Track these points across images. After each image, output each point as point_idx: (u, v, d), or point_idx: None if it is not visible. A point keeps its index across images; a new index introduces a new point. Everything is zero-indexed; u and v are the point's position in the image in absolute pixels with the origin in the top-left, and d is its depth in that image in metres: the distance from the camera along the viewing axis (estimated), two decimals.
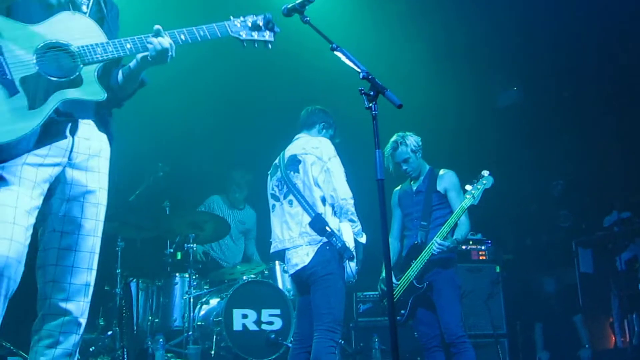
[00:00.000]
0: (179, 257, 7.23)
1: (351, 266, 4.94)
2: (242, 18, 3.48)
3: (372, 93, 3.47)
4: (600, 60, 8.44)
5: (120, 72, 3.33)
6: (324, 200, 5.01)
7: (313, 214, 4.94)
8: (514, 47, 8.67)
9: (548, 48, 8.56)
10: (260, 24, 3.51)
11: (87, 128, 3.17)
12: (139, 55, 3.22)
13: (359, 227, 5.04)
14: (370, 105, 3.48)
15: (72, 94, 3.00)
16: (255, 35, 3.50)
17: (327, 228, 4.89)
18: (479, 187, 5.55)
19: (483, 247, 7.89)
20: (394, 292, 5.64)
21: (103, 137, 3.27)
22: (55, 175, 3.06)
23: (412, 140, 5.82)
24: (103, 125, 3.28)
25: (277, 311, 6.67)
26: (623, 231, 8.28)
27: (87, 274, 3.23)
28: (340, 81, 5.67)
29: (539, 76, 9.11)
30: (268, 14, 3.55)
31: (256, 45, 3.52)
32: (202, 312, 6.91)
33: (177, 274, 7.14)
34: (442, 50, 8.47)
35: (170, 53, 3.19)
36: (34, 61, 2.92)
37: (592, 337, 8.17)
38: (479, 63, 8.76)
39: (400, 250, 5.96)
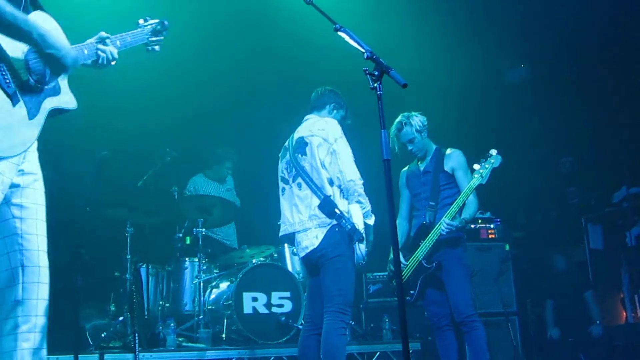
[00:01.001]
0: (188, 241, 7.25)
1: (361, 248, 4.93)
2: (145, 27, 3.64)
3: (376, 73, 3.46)
4: (608, 37, 8.36)
5: None
6: (331, 182, 4.98)
7: (322, 197, 4.92)
8: (522, 24, 8.60)
9: (555, 25, 8.50)
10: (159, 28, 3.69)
11: None
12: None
13: (368, 208, 5.02)
14: (375, 85, 3.46)
15: (55, 102, 3.03)
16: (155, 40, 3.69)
17: (337, 210, 4.88)
18: (487, 166, 5.52)
19: (492, 226, 7.86)
20: (403, 273, 5.65)
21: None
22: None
23: (417, 120, 5.78)
24: None
25: (287, 294, 6.68)
26: (632, 206, 8.25)
27: None
28: (344, 61, 5.63)
29: (547, 53, 9.06)
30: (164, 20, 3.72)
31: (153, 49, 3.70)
32: (213, 296, 6.93)
33: (187, 259, 7.16)
34: (450, 28, 8.40)
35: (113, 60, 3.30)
36: (25, 68, 2.90)
37: (602, 313, 8.16)
38: (486, 40, 8.70)
39: (408, 230, 5.96)
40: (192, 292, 7.00)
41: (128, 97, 7.49)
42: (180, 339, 6.52)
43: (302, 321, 6.09)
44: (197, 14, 7.57)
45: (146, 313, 6.79)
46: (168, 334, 6.17)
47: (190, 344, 6.48)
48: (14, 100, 2.82)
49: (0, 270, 2.93)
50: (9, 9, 2.73)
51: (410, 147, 5.82)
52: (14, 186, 2.95)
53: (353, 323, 6.96)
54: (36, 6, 3.09)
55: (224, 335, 6.52)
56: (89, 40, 3.26)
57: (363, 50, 3.58)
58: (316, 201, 4.94)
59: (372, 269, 7.54)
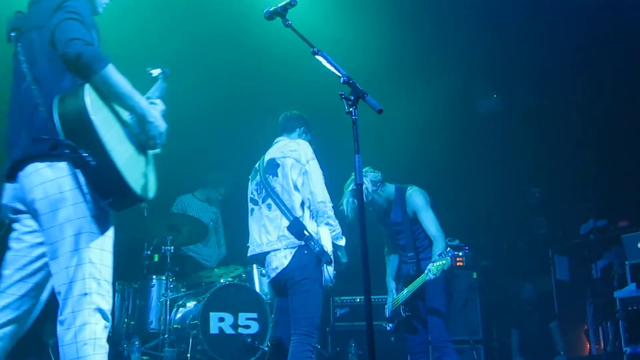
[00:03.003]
0: (156, 259, 7.20)
1: (329, 270, 4.92)
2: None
3: (352, 98, 3.48)
4: (578, 71, 8.50)
5: None
6: (302, 204, 4.99)
7: (291, 218, 4.92)
8: (494, 55, 8.70)
9: (526, 57, 8.61)
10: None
11: None
12: None
13: (338, 230, 5.02)
14: (351, 110, 3.48)
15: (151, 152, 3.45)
16: None
17: (305, 232, 4.87)
18: (439, 264, 5.54)
19: (460, 254, 7.89)
20: (392, 304, 5.83)
21: None
22: None
23: (368, 181, 5.79)
24: None
25: (254, 315, 6.66)
26: (599, 239, 8.35)
27: None
28: (321, 85, 5.67)
29: (518, 85, 9.16)
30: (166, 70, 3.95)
31: None
32: (179, 315, 6.88)
33: (154, 276, 7.11)
34: (424, 55, 8.48)
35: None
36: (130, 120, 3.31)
37: (567, 344, 8.22)
38: (459, 71, 8.78)
39: (398, 262, 6.03)
40: (158, 310, 6.95)
41: None
42: (144, 358, 6.45)
43: (269, 343, 6.06)
44: (183, 36, 7.59)
45: (110, 331, 6.70)
46: (132, 352, 6.11)
47: None
48: (140, 152, 3.30)
49: None
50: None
51: (372, 206, 5.89)
52: None
53: (319, 347, 6.94)
54: None
55: (189, 355, 6.46)
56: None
57: (340, 74, 3.60)
58: (285, 222, 4.93)
59: (340, 292, 7.53)
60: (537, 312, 8.36)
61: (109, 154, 2.97)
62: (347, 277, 5.61)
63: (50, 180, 3.06)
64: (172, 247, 6.94)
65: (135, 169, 3.16)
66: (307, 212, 4.98)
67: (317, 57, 3.67)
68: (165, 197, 8.33)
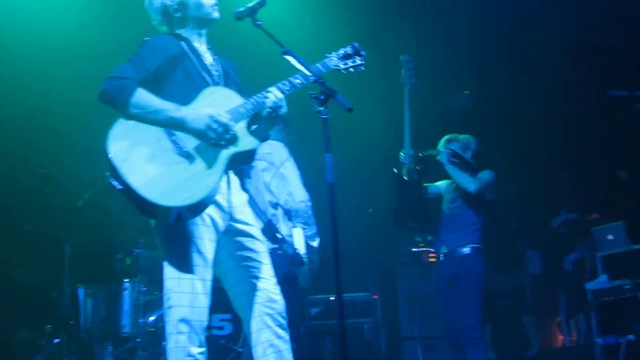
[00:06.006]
0: (128, 262, 7.12)
1: (303, 271, 4.93)
2: (335, 53, 3.89)
3: (322, 97, 3.46)
4: (548, 66, 8.56)
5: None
6: (275, 206, 4.98)
7: (265, 220, 4.91)
8: (467, 52, 8.71)
9: (498, 55, 8.65)
10: (350, 52, 3.87)
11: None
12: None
13: (313, 230, 5.03)
14: (320, 109, 3.47)
15: (233, 150, 3.57)
16: (349, 63, 3.88)
17: (278, 235, 4.86)
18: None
19: (433, 249, 7.95)
20: None
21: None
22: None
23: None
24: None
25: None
26: (570, 232, 8.43)
27: None
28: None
29: (490, 81, 9.18)
30: (355, 44, 3.90)
31: (351, 70, 3.89)
32: (152, 318, 6.80)
33: (127, 280, 7.03)
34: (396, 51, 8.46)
35: (281, 105, 3.69)
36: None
37: (540, 337, 8.29)
38: (432, 65, 8.76)
39: None
40: (132, 313, 6.87)
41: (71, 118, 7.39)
42: None
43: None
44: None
45: (83, 335, 6.64)
46: (105, 357, 6.05)
47: None
48: (189, 160, 3.44)
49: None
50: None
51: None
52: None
53: (295, 345, 6.91)
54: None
55: (162, 358, 6.41)
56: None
57: (310, 73, 3.60)
58: (259, 225, 4.92)
59: (314, 291, 7.52)
60: (510, 306, 8.41)
61: (124, 178, 3.30)
62: (321, 276, 5.59)
63: None
64: (144, 250, 6.88)
65: (169, 181, 3.37)
66: (280, 214, 4.97)
67: (286, 57, 3.65)
68: None
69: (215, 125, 3.46)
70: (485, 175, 6.06)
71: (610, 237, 7.79)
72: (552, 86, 8.75)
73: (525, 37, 8.22)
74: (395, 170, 6.03)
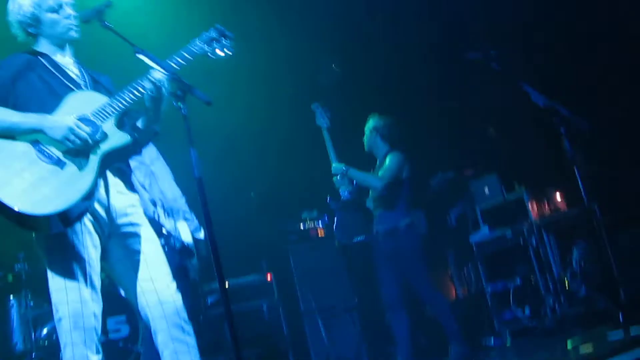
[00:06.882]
0: (10, 279, 6.89)
1: (192, 264, 4.94)
2: (198, 39, 3.82)
3: (179, 93, 3.46)
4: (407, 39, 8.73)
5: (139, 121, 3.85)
6: (154, 203, 4.94)
7: (148, 218, 4.86)
8: (333, 21, 8.74)
9: (359, 26, 8.75)
10: (214, 36, 3.81)
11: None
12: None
13: (196, 223, 5.03)
14: (179, 104, 3.46)
15: (105, 147, 3.55)
16: (216, 46, 3.82)
17: (163, 230, 4.85)
18: None
19: (320, 224, 8.09)
20: None
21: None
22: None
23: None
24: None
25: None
26: (449, 189, 8.71)
27: None
28: None
29: (356, 53, 9.25)
30: (218, 26, 3.86)
31: (220, 54, 3.83)
32: (45, 331, 6.65)
33: (11, 296, 6.82)
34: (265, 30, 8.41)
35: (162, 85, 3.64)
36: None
37: None
38: (296, 39, 8.75)
39: None
40: (22, 330, 6.69)
41: None
42: None
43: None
44: None
45: None
46: None
47: None
48: (60, 165, 3.41)
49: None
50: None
51: None
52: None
53: (197, 337, 6.89)
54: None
55: None
56: None
57: (165, 71, 3.58)
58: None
59: (209, 280, 7.51)
60: None
61: None
62: (212, 264, 5.60)
63: None
64: (25, 264, 6.69)
65: (41, 190, 3.32)
66: (161, 211, 4.94)
67: (139, 56, 3.62)
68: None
69: (72, 137, 3.43)
70: (389, 165, 6.57)
71: (486, 189, 8.13)
72: (415, 51, 8.93)
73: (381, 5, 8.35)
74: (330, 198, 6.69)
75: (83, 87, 3.73)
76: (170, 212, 4.94)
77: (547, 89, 5.24)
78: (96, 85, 3.80)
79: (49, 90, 3.60)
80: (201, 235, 5.06)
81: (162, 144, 5.31)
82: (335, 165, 6.68)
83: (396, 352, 6.64)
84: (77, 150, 3.46)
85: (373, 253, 6.87)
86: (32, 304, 6.66)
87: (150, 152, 5.00)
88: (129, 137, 3.66)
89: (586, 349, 5.20)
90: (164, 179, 4.95)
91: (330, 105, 6.98)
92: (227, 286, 7.45)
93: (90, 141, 3.49)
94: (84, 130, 3.47)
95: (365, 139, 6.93)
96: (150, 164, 4.95)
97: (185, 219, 4.96)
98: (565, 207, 7.72)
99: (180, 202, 4.96)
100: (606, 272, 6.22)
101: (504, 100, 7.78)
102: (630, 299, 5.30)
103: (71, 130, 3.42)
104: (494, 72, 5.37)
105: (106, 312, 6.33)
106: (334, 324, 7.88)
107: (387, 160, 6.62)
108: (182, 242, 4.87)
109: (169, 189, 4.94)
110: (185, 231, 4.95)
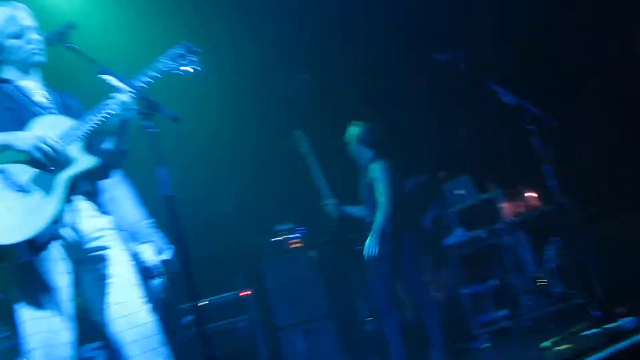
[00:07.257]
0: None
1: (162, 283, 4.88)
2: (163, 56, 3.75)
3: (146, 111, 3.40)
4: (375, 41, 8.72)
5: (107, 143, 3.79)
6: (118, 227, 4.87)
7: None
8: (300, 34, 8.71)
9: (327, 32, 8.72)
10: (181, 52, 3.73)
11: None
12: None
13: (162, 244, 4.98)
14: (147, 123, 3.39)
15: (71, 171, 3.49)
16: (183, 63, 3.74)
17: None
18: None
19: (297, 235, 8.02)
20: None
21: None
22: None
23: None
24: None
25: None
26: (422, 193, 8.70)
27: None
28: None
29: (325, 60, 9.21)
30: (185, 42, 3.79)
31: (189, 70, 3.75)
32: None
33: None
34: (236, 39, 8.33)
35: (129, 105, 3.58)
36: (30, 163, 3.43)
37: None
38: (266, 50, 8.69)
39: None
40: None
41: None
42: None
43: None
44: None
45: None
46: None
47: None
48: (25, 193, 3.35)
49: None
50: None
51: None
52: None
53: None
54: None
55: None
56: None
57: (131, 90, 3.52)
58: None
59: (183, 300, 7.41)
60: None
61: None
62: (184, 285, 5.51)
63: None
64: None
65: (6, 219, 3.28)
66: (125, 235, 4.85)
67: (104, 77, 3.56)
68: None
69: (41, 145, 3.38)
70: (379, 180, 6.59)
71: (459, 191, 8.13)
72: (384, 55, 8.92)
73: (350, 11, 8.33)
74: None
75: (52, 110, 3.68)
76: (133, 236, 4.87)
77: (517, 88, 5.24)
78: (66, 108, 3.75)
79: (12, 118, 3.54)
80: (168, 255, 5.01)
81: (131, 162, 5.24)
82: (331, 205, 6.88)
83: (389, 356, 6.59)
84: (43, 177, 3.40)
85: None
86: (5, 334, 6.48)
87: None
88: (97, 159, 3.62)
89: (563, 346, 5.18)
90: (124, 203, 4.88)
91: (304, 116, 6.97)
92: (200, 305, 7.51)
93: (61, 150, 3.44)
94: (54, 139, 3.43)
95: (348, 148, 6.87)
96: (111, 187, 4.86)
97: (149, 241, 4.90)
98: (539, 205, 7.74)
99: (141, 226, 4.89)
100: (581, 267, 6.23)
101: (473, 101, 7.79)
102: (607, 294, 5.29)
103: (40, 138, 3.38)
104: (462, 73, 5.36)
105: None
106: (311, 338, 7.81)
107: (373, 174, 6.60)
108: (146, 264, 4.80)
109: (130, 214, 4.87)
110: (149, 253, 4.90)
